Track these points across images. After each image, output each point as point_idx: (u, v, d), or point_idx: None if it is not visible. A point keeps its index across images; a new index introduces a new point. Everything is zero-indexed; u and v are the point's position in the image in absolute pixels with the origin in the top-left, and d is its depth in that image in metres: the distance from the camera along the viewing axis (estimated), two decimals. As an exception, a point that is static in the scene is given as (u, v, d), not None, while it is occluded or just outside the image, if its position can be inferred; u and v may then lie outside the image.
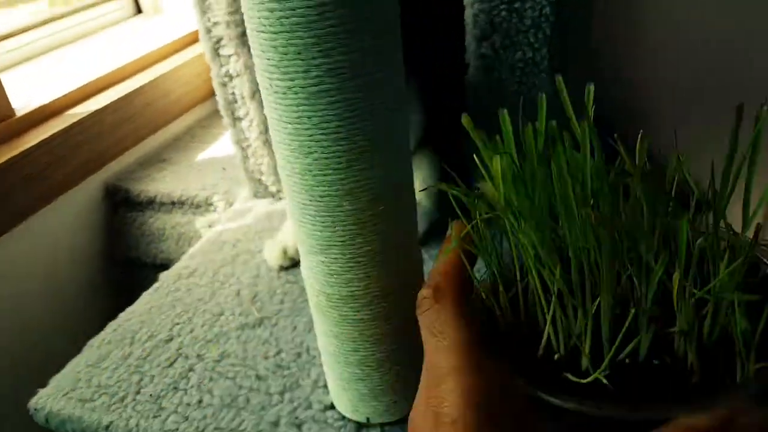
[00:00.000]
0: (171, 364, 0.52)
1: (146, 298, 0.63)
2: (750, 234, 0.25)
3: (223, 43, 0.66)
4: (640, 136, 0.26)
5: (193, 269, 0.65)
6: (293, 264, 0.63)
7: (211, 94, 0.83)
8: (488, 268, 0.30)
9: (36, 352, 0.80)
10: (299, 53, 0.30)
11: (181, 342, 0.55)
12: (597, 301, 0.26)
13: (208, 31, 0.66)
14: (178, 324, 0.57)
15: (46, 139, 0.81)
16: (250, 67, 0.68)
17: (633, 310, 0.25)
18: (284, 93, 0.32)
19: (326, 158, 0.33)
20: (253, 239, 0.69)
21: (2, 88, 0.80)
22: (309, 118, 0.32)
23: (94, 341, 0.57)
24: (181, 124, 1.07)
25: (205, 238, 0.72)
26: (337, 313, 0.38)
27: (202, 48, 0.70)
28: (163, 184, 0.88)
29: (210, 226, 0.83)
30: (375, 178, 0.34)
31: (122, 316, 0.60)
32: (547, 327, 0.27)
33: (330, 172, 0.33)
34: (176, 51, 1.10)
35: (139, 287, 0.68)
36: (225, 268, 0.64)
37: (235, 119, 0.72)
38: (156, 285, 0.64)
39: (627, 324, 0.25)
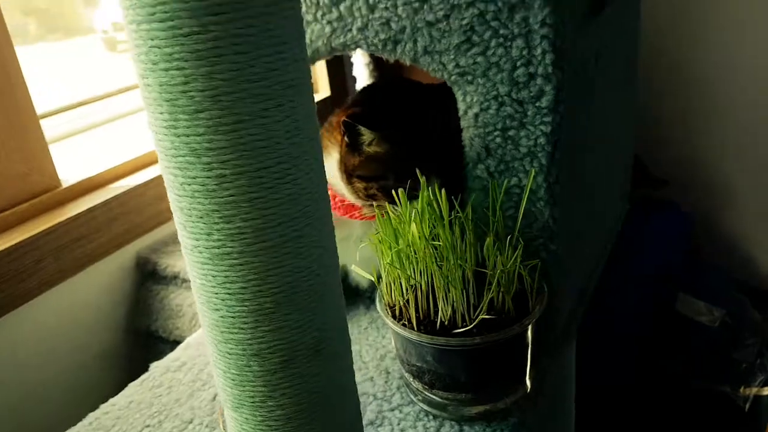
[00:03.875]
0: (126, 474, 0.51)
1: (131, 389, 0.62)
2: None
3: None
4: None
5: (182, 363, 0.65)
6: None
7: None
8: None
9: (44, 413, 0.82)
10: (201, 217, 0.29)
11: (144, 448, 0.54)
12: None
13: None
14: (148, 426, 0.56)
15: (85, 211, 0.85)
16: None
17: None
18: (191, 250, 0.30)
19: (232, 317, 0.31)
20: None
21: (51, 159, 0.85)
22: (213, 276, 0.30)
23: (69, 434, 0.57)
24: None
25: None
26: (250, 472, 0.36)
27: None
28: (188, 261, 0.90)
29: (222, 310, 0.83)
30: (284, 340, 0.32)
31: (103, 407, 0.60)
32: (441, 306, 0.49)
33: (236, 330, 0.31)
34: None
35: (153, 361, 0.68)
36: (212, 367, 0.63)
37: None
38: (144, 376, 0.64)
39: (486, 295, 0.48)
